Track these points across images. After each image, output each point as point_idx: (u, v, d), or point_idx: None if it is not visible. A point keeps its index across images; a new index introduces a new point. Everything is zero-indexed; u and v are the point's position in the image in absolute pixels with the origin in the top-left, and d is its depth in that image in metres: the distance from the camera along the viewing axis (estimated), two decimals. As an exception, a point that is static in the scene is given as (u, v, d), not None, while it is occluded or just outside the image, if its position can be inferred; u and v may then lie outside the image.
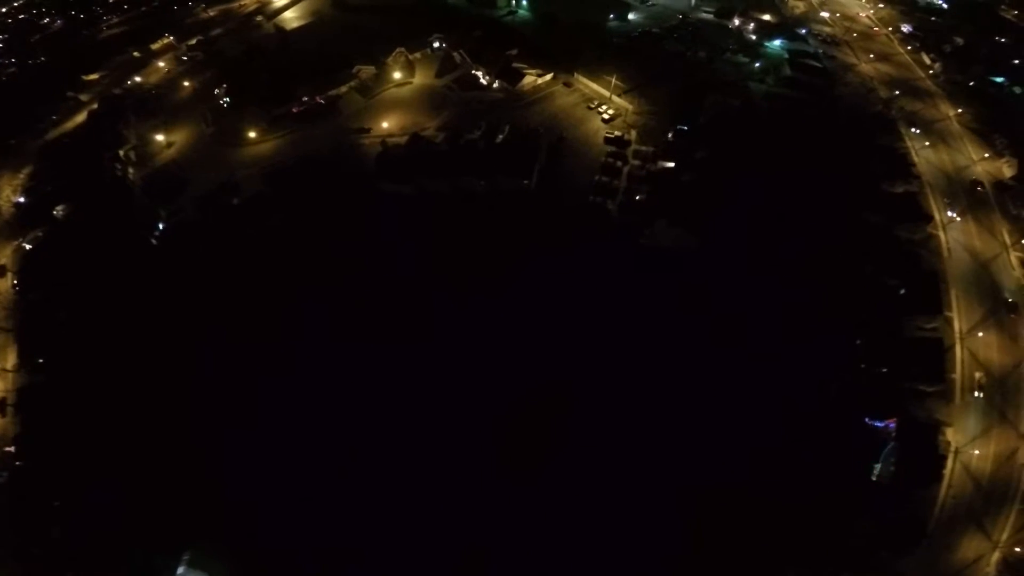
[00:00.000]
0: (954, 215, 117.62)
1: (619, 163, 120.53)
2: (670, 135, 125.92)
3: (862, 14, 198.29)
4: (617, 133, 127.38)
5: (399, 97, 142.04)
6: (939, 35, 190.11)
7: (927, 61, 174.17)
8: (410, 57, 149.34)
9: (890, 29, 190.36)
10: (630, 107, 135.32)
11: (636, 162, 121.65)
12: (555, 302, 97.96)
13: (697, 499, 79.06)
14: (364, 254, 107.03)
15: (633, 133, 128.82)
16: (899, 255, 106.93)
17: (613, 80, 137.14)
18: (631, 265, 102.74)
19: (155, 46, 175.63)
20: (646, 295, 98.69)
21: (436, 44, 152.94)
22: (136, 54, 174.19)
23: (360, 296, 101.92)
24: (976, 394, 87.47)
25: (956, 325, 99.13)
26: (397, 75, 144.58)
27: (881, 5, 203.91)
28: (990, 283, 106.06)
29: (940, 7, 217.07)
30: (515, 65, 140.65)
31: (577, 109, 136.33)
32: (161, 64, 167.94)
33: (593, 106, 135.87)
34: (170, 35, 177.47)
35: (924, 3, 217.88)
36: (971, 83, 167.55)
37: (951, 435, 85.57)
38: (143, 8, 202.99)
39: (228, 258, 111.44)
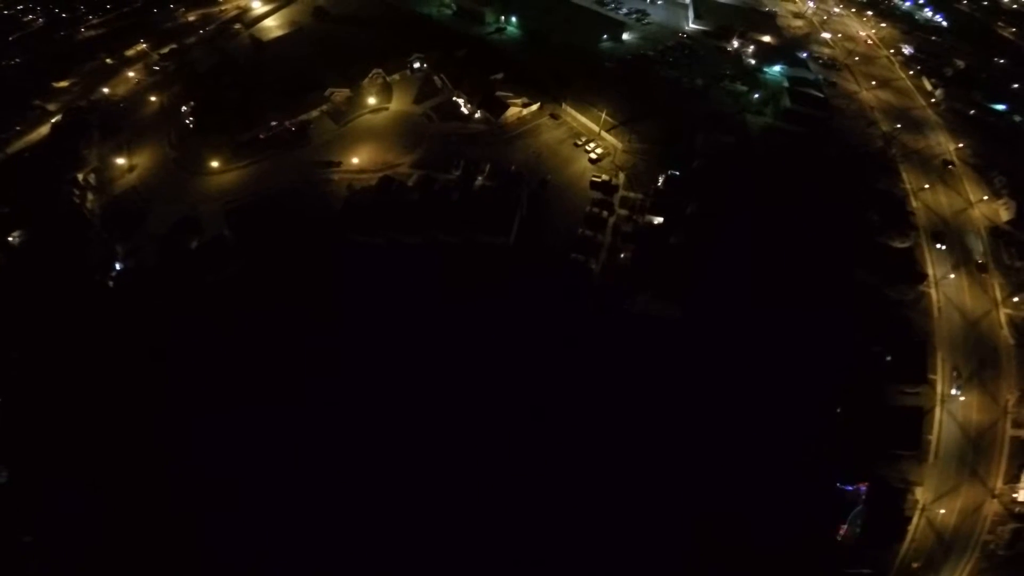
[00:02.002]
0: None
1: (604, 213, 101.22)
2: (660, 180, 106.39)
3: (863, 33, 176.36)
4: (604, 177, 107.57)
5: (373, 125, 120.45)
6: (940, 58, 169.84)
7: (928, 87, 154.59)
8: (388, 79, 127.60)
9: (891, 51, 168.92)
10: (619, 145, 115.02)
11: (623, 211, 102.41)
12: (530, 371, 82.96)
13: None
14: (328, 316, 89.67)
15: (621, 177, 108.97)
16: (888, 319, 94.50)
17: (603, 115, 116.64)
18: (611, 335, 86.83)
19: (129, 52, 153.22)
20: (626, 365, 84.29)
21: (417, 64, 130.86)
22: (108, 60, 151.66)
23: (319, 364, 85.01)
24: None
25: (939, 388, 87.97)
26: (372, 100, 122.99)
27: (883, 24, 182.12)
28: (977, 342, 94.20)
29: (940, 25, 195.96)
30: (499, 94, 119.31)
31: (563, 146, 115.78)
32: (131, 74, 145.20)
33: (581, 143, 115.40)
34: (144, 41, 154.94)
35: (924, 21, 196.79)
36: (971, 112, 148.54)
37: (920, 493, 77.98)
38: (125, 8, 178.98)
39: (185, 310, 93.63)
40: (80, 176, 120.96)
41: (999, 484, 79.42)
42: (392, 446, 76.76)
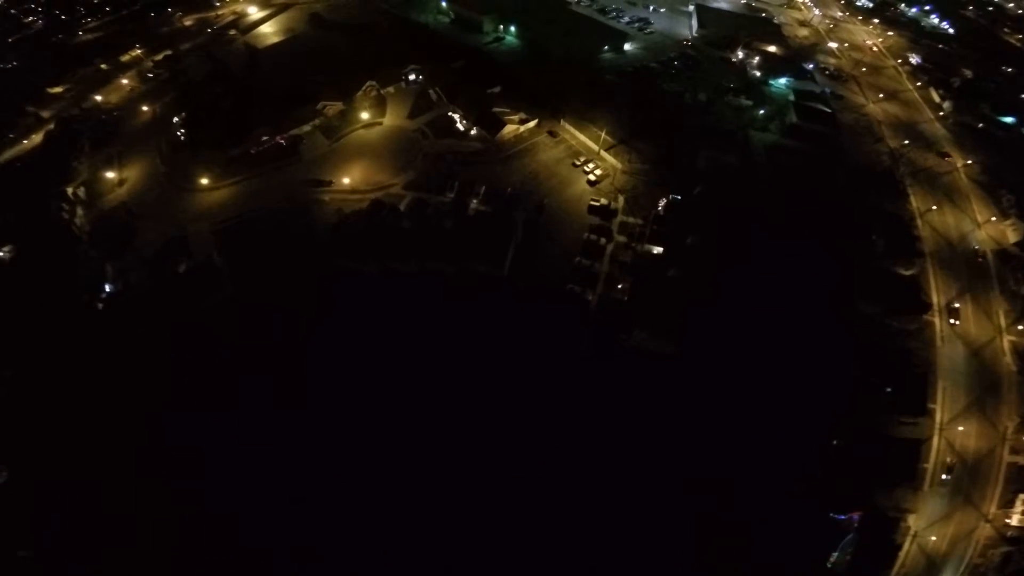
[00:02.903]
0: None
1: (603, 240, 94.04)
2: (661, 205, 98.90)
3: (869, 42, 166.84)
4: (603, 201, 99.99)
5: (366, 141, 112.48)
6: (947, 67, 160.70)
7: (936, 99, 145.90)
8: (382, 92, 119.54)
9: (899, 61, 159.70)
10: (619, 166, 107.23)
11: (622, 238, 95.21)
12: (521, 409, 76.84)
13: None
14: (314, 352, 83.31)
15: (621, 200, 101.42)
16: (890, 351, 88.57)
17: (603, 135, 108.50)
18: (605, 370, 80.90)
19: (124, 58, 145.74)
20: (620, 400, 78.70)
21: (412, 76, 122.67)
22: (103, 66, 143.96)
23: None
24: None
25: (938, 417, 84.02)
26: (366, 115, 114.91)
27: (890, 33, 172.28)
28: (979, 372, 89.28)
29: (946, 32, 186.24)
30: (496, 110, 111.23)
31: (561, 166, 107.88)
32: (125, 81, 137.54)
33: (579, 163, 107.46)
34: (140, 47, 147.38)
35: (930, 28, 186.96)
36: (980, 125, 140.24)
37: (912, 520, 74.64)
38: (123, 12, 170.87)
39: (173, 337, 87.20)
40: (70, 190, 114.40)
41: (993, 508, 76.63)
42: (385, 482, 71.05)
